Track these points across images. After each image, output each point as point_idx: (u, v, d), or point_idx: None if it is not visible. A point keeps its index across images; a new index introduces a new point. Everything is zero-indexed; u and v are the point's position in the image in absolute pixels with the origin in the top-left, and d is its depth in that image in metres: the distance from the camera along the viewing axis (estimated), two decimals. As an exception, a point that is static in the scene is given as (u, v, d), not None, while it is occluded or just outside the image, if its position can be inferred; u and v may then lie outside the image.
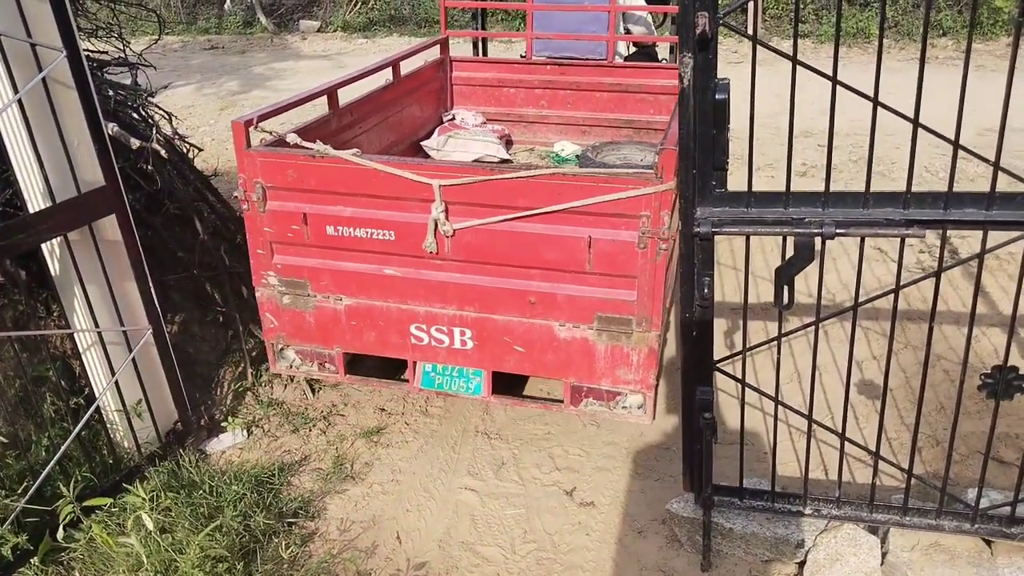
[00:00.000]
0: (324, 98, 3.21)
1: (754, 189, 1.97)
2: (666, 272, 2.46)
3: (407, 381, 2.91)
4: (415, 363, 2.84)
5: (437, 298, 2.68)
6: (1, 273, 2.52)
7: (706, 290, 2.04)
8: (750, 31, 10.86)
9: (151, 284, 2.66)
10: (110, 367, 2.57)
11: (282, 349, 2.93)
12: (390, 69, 3.79)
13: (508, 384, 2.95)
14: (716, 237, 1.99)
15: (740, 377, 2.20)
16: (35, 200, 2.40)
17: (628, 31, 4.67)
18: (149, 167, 2.75)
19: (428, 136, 4.33)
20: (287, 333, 2.89)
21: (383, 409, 3.31)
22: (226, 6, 13.68)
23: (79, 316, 2.54)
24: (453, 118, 4.48)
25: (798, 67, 1.85)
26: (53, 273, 2.49)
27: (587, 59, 4.41)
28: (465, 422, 3.23)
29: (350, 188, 2.60)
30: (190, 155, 3.41)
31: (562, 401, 2.75)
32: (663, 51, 5.14)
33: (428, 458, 3.03)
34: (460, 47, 4.97)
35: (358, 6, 13.73)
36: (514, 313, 2.63)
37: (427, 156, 4.26)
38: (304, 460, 3.00)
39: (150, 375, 2.72)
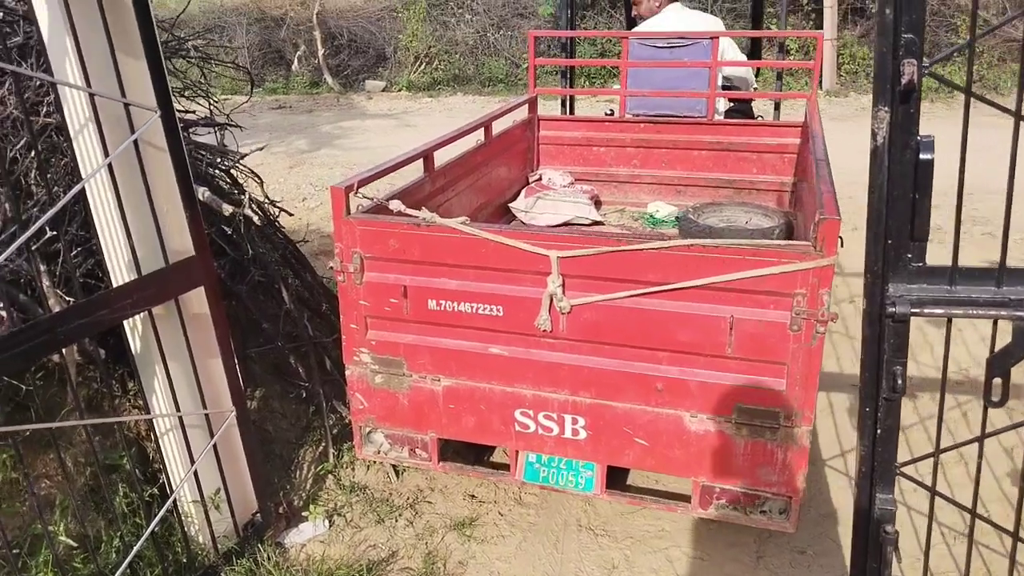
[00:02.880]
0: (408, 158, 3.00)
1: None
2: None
3: (506, 472, 2.62)
4: (517, 452, 2.55)
5: (548, 381, 2.40)
6: (79, 352, 2.33)
7: (899, 380, 1.71)
8: (827, 84, 10.59)
9: (236, 361, 2.43)
10: (189, 453, 2.33)
11: (370, 432, 2.67)
12: (482, 130, 3.59)
13: (611, 474, 2.63)
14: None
15: (931, 485, 1.85)
16: (119, 272, 2.21)
17: (726, 87, 4.42)
18: (237, 234, 2.57)
19: (515, 197, 4.11)
20: (377, 415, 2.63)
21: (473, 496, 3.01)
22: (293, 67, 13.97)
23: (158, 397, 2.33)
24: (540, 178, 4.27)
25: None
26: (133, 350, 2.28)
27: (685, 116, 4.17)
28: (566, 513, 2.91)
29: (457, 259, 2.36)
30: (278, 220, 3.24)
31: (688, 500, 2.42)
32: (759, 107, 4.87)
33: (529, 557, 2.70)
34: (545, 105, 4.76)
35: (423, 66, 13.89)
36: (637, 401, 2.33)
37: (515, 218, 4.04)
38: (391, 557, 2.70)
39: (231, 461, 2.48)
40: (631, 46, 4.17)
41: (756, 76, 5.11)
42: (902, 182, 1.60)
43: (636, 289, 2.21)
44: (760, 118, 4.66)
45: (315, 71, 13.95)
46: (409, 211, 2.43)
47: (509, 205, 4.04)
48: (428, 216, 2.37)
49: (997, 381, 1.65)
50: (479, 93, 13.07)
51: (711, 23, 4.26)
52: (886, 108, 1.56)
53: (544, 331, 2.33)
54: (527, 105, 4.26)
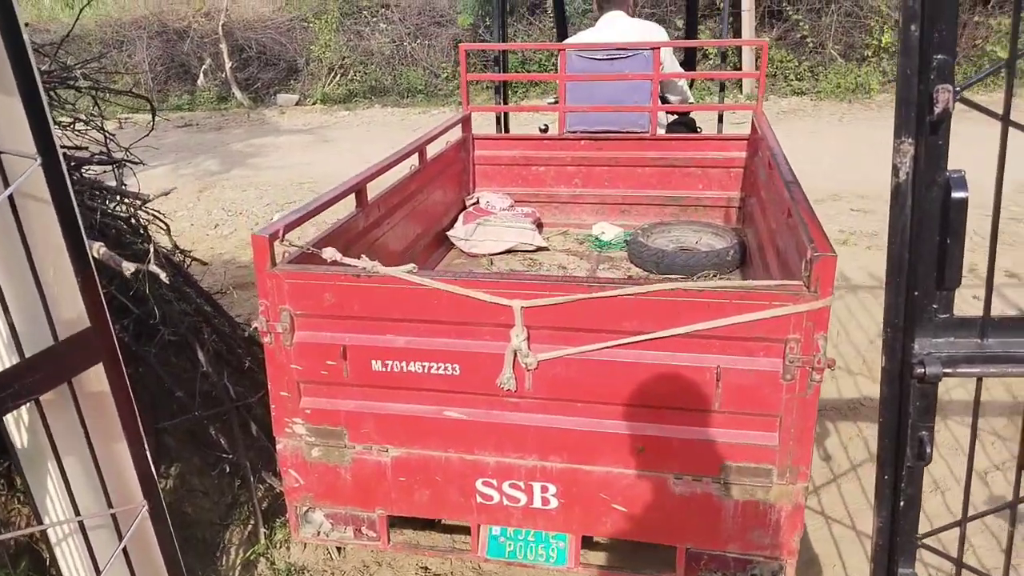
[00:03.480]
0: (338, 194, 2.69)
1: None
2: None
3: (466, 549, 2.34)
4: (479, 526, 2.27)
5: (513, 446, 2.14)
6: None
7: (926, 447, 1.52)
8: (747, 88, 10.67)
9: (146, 445, 2.08)
10: (93, 562, 1.96)
11: (307, 512, 2.34)
12: (416, 154, 3.30)
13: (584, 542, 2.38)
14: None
15: (957, 557, 1.67)
16: (-5, 352, 1.83)
17: (665, 100, 4.25)
18: (142, 289, 2.21)
19: (452, 223, 3.84)
20: (316, 493, 2.31)
21: (426, 568, 2.71)
22: (199, 82, 13.31)
23: (52, 499, 1.95)
24: (477, 202, 4.01)
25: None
26: (18, 445, 1.90)
27: (627, 132, 3.97)
28: (532, 585, 2.64)
29: (404, 313, 2.07)
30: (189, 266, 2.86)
31: (672, 569, 2.19)
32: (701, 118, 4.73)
33: (494, 638, 2.43)
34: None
35: (337, 78, 13.45)
36: (614, 464, 2.09)
37: (453, 247, 3.77)
38: (339, 649, 2.39)
39: (144, 563, 2.11)
40: (568, 58, 3.95)
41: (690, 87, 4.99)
42: (928, 223, 1.41)
43: (611, 340, 1.97)
44: (700, 131, 4.52)
45: (223, 85, 13.33)
46: (347, 260, 2.13)
47: (447, 233, 3.76)
48: (369, 265, 2.07)
49: None
50: (398, 105, 12.72)
51: (652, 32, 4.08)
52: (910, 140, 1.35)
53: (508, 390, 2.06)
54: (460, 124, 3.98)
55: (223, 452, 2.59)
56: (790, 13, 10.96)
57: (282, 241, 2.17)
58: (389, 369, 2.13)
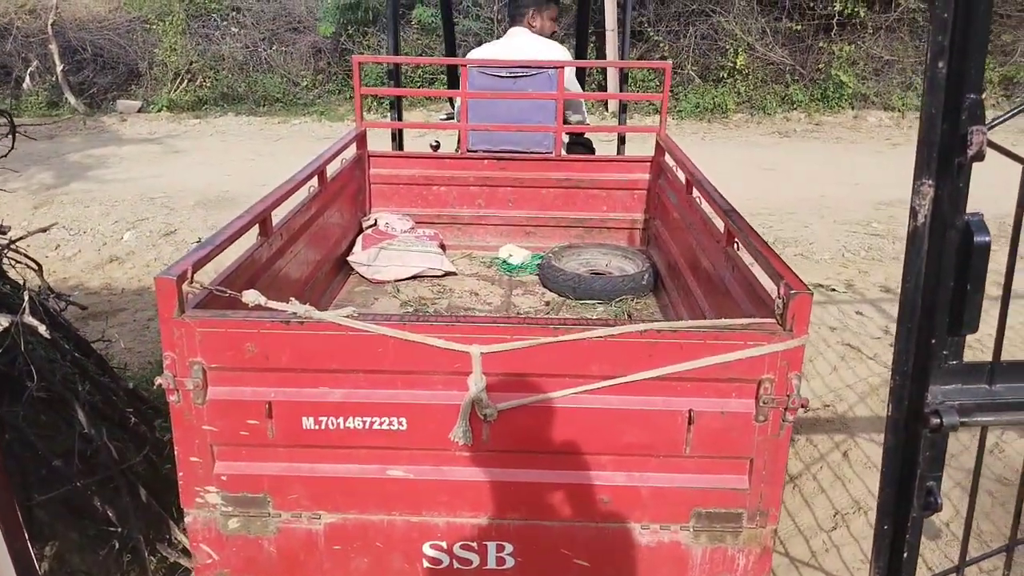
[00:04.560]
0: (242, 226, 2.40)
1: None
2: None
3: None
4: (427, 593, 2.06)
5: (465, 504, 1.94)
6: None
7: (935, 498, 1.47)
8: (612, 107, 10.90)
9: (24, 529, 1.71)
10: None
11: (223, 594, 2.04)
12: (316, 177, 3.03)
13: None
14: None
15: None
16: None
17: (566, 120, 4.19)
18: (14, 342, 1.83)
19: (351, 249, 3.58)
20: (233, 569, 2.01)
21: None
22: (25, 85, 12.06)
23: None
24: (375, 223, 3.76)
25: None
26: None
27: (531, 152, 3.87)
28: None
29: (343, 363, 1.83)
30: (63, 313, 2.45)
31: (634, 621, 2.06)
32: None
33: None
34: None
35: (185, 84, 12.60)
36: (577, 517, 1.94)
37: (353, 272, 3.52)
38: None
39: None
40: (469, 73, 3.80)
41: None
42: (946, 268, 1.35)
43: (577, 386, 1.83)
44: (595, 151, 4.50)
45: (53, 89, 12.16)
46: (273, 304, 1.86)
47: (348, 259, 3.50)
48: (302, 310, 1.81)
49: None
50: (254, 113, 12.09)
51: (556, 51, 4.01)
52: (931, 182, 1.29)
53: (463, 444, 1.87)
54: (355, 141, 3.72)
55: (109, 524, 2.22)
56: (651, 34, 11.35)
57: (191, 283, 1.87)
58: (323, 426, 1.88)
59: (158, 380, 1.84)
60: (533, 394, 1.83)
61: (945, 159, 1.27)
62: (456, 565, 2.00)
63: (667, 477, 1.91)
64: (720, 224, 2.57)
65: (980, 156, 1.23)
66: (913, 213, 1.32)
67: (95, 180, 8.39)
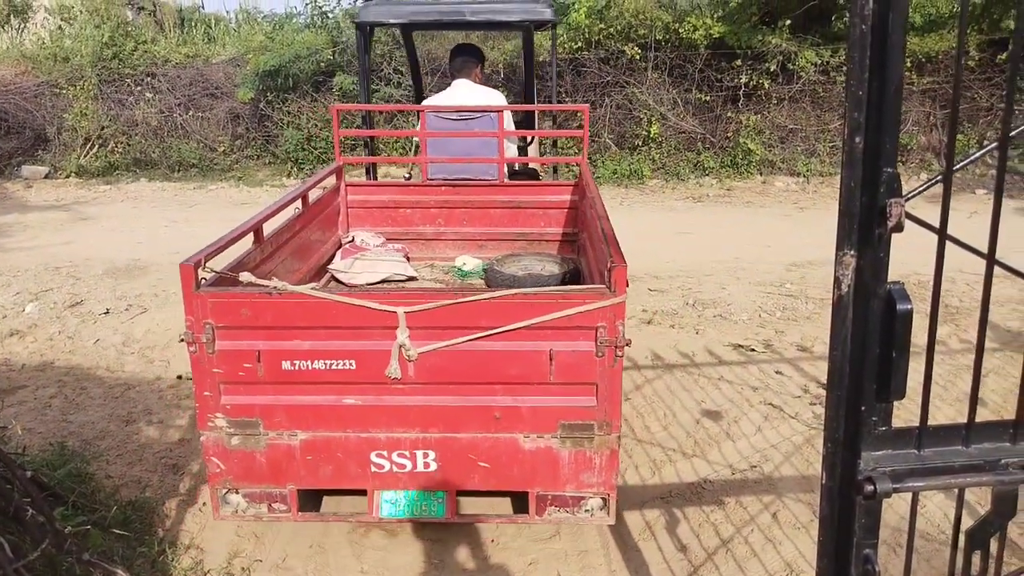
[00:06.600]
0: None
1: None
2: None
3: (363, 512, 3.18)
4: (373, 492, 3.13)
5: (399, 423, 3.06)
6: None
7: (873, 566, 1.65)
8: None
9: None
10: None
11: (226, 494, 3.09)
12: (300, 200, 4.37)
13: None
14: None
15: None
16: None
17: (524, 152, 5.79)
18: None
19: (332, 259, 4.91)
20: (235, 475, 3.08)
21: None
22: (-76, 149, 12.83)
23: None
24: (353, 240, 5.04)
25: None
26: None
27: (480, 179, 5.29)
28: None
29: (309, 322, 2.96)
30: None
31: (525, 512, 3.18)
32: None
33: None
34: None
35: (95, 149, 13.55)
36: (479, 430, 3.07)
37: (333, 278, 4.80)
38: None
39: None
40: (427, 118, 5.24)
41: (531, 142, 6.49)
42: (870, 337, 1.49)
43: (472, 334, 2.98)
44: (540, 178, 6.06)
45: (-48, 153, 12.92)
46: (260, 281, 2.99)
47: (328, 267, 4.73)
48: (279, 285, 2.95)
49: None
50: (168, 179, 12.93)
51: (494, 98, 5.62)
52: (853, 252, 1.43)
53: (394, 379, 2.99)
54: (334, 173, 5.15)
55: None
56: (568, 103, 12.95)
57: (204, 268, 2.99)
58: (297, 368, 2.99)
59: (180, 335, 2.93)
60: (442, 341, 2.98)
61: (866, 230, 1.39)
62: (395, 469, 3.10)
63: (540, 399, 3.06)
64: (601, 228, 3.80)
65: (899, 228, 1.37)
66: (837, 283, 1.45)
67: None
